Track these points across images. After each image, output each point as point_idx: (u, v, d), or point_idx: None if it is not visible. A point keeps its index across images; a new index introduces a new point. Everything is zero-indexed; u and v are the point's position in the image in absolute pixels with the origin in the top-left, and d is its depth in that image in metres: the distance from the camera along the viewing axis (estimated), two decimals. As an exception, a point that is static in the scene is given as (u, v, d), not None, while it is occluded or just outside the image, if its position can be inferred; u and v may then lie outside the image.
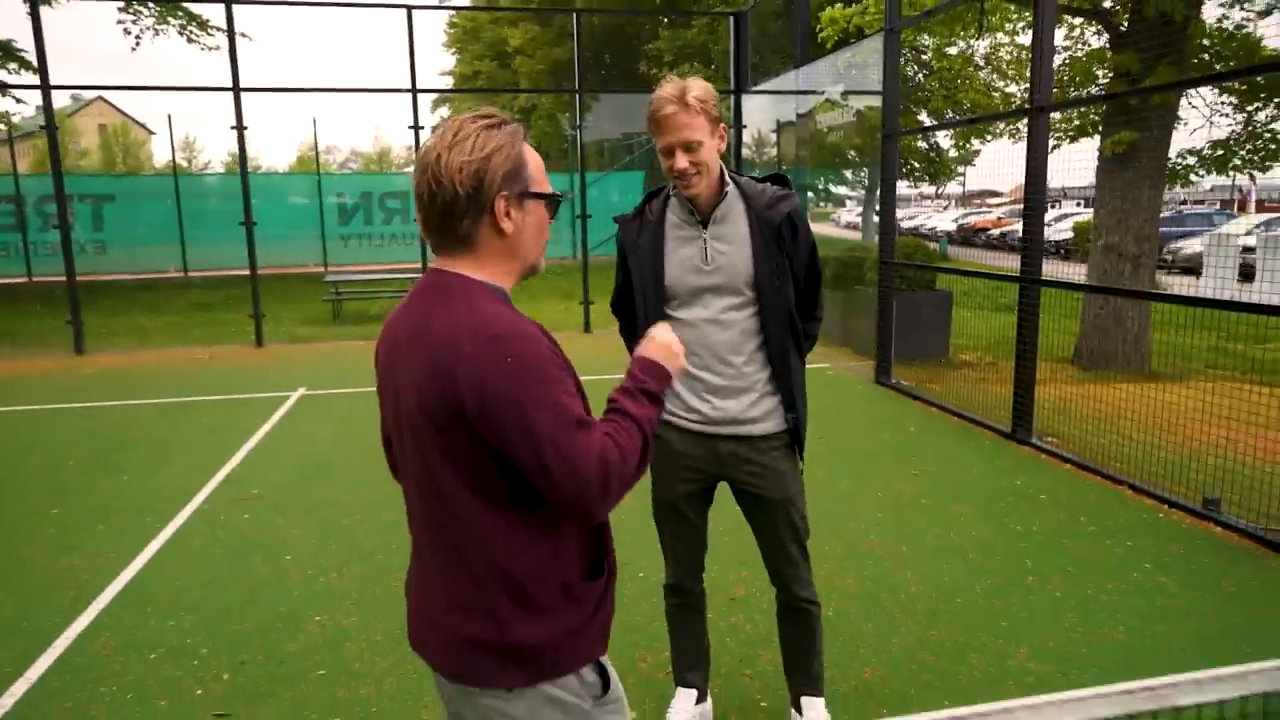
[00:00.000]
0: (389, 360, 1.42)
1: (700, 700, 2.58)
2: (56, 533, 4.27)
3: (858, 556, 3.88)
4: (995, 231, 24.28)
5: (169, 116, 19.13)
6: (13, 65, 12.20)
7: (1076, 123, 9.09)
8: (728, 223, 2.19)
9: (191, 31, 11.73)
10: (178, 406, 7.00)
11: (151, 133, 46.15)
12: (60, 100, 9.22)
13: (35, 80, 9.20)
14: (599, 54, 26.33)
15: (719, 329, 2.20)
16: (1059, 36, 8.94)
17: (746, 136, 12.04)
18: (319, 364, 8.83)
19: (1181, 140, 8.51)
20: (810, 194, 16.27)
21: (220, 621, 3.35)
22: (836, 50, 10.21)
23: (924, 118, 21.35)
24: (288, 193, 18.32)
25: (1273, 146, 8.27)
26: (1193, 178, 8.52)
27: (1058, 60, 9.15)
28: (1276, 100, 8.23)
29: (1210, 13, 8.22)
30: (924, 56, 20.92)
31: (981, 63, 18.25)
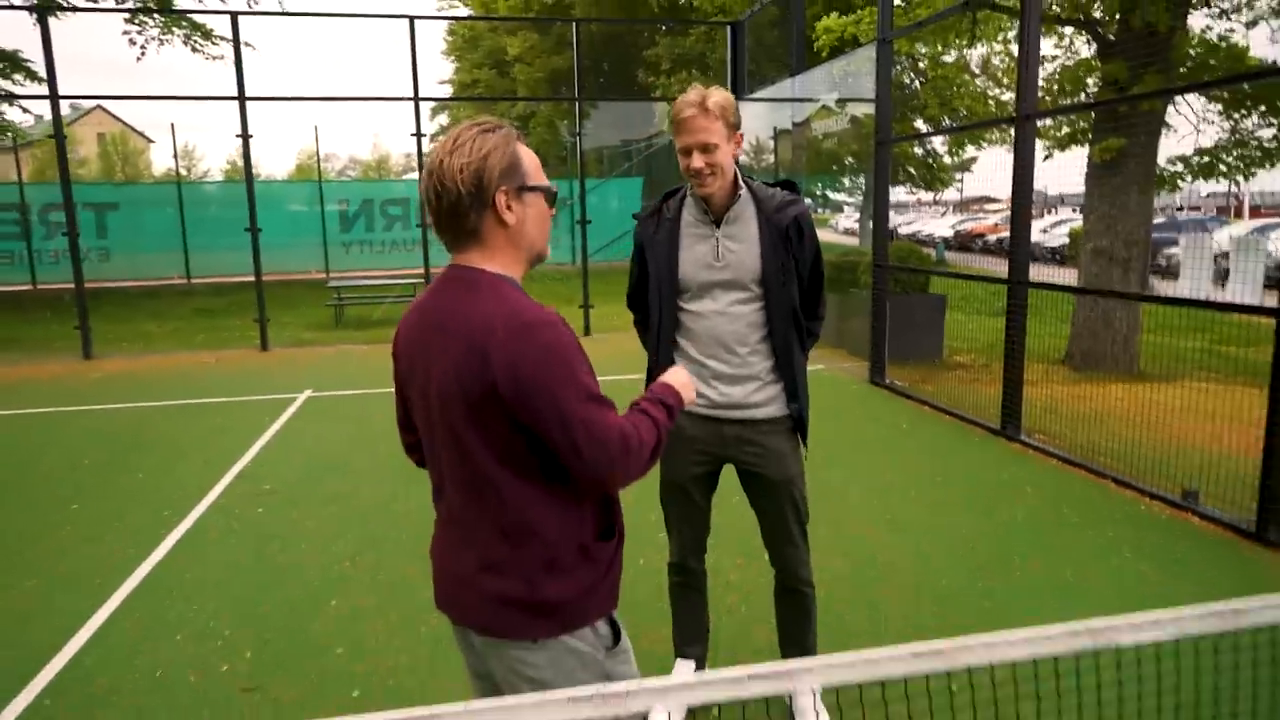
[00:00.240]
0: (417, 345, 1.55)
1: (699, 669, 2.75)
2: (78, 526, 4.44)
3: (847, 541, 4.05)
4: (992, 237, 24.48)
5: (172, 125, 19.29)
6: (18, 75, 12.37)
7: (1066, 130, 9.29)
8: (739, 223, 2.37)
9: (196, 41, 11.91)
10: (187, 408, 7.16)
11: (150, 141, 46.36)
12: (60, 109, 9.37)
13: (43, 90, 9.37)
14: (597, 62, 26.56)
15: (726, 321, 2.37)
16: (1049, 46, 9.16)
17: (744, 143, 12.22)
18: (323, 367, 9.00)
19: (1170, 147, 8.73)
20: (808, 200, 16.47)
21: (241, 605, 3.52)
22: (832, 59, 10.41)
23: (920, 124, 21.58)
24: (288, 200, 18.50)
25: (1258, 154, 8.48)
26: (1180, 184, 8.71)
27: (1050, 69, 9.36)
28: (1262, 108, 8.43)
29: (1198, 22, 8.41)
30: (920, 65, 21.16)
31: (977, 70, 18.48)
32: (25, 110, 13.60)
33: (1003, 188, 5.91)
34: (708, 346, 2.39)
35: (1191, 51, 8.36)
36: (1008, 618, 3.31)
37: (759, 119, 12.28)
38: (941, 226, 29.67)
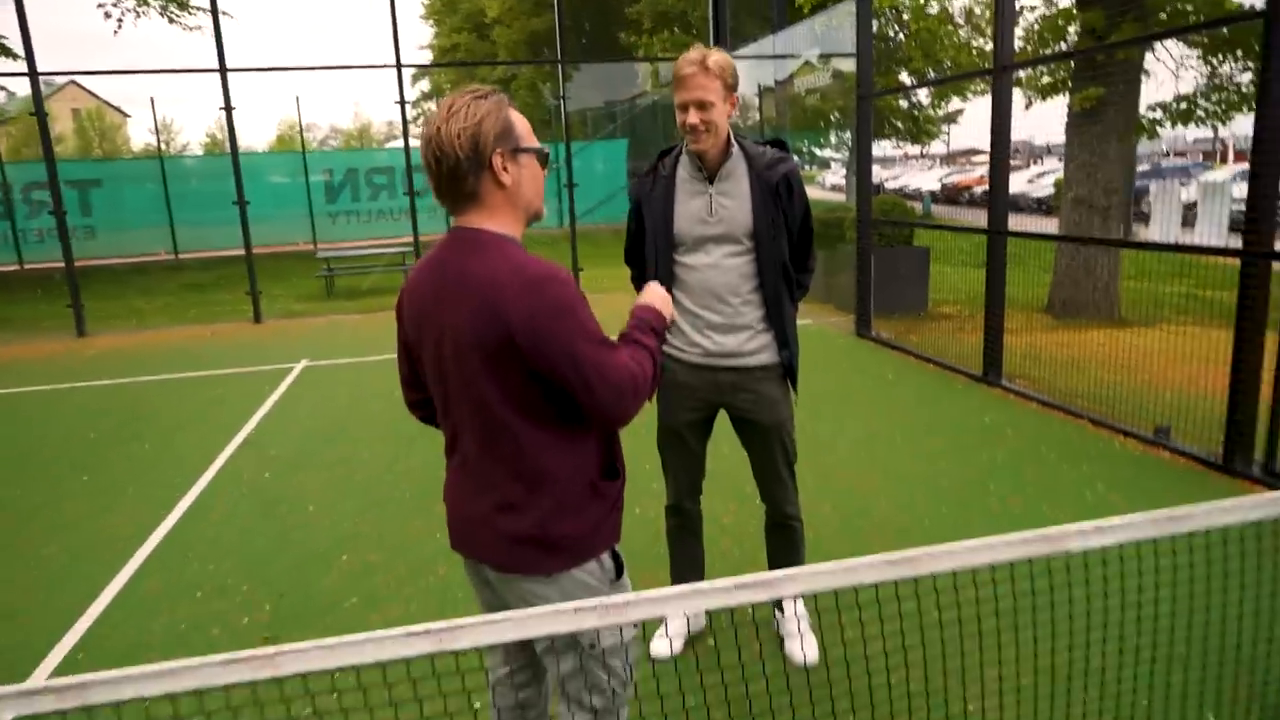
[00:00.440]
0: (428, 304, 1.64)
1: (695, 606, 2.92)
2: (91, 496, 4.57)
3: (834, 486, 4.23)
4: (979, 189, 24.52)
5: (152, 99, 18.99)
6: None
7: (1047, 79, 9.35)
8: (731, 180, 2.49)
9: (172, 12, 11.77)
10: (185, 381, 7.26)
11: (127, 115, 45.66)
12: (29, 87, 9.28)
13: (21, 68, 9.29)
14: (578, 21, 26.25)
15: (719, 273, 2.51)
16: (1029, -6, 9.16)
17: (729, 102, 12.21)
18: (317, 338, 9.08)
19: (1151, 93, 8.81)
20: (795, 157, 16.47)
21: (256, 563, 3.67)
22: (813, 14, 10.40)
23: (905, 77, 21.50)
24: (271, 171, 18.35)
25: (1236, 98, 8.56)
26: (1159, 130, 8.81)
27: (1031, 17, 9.39)
28: (1239, 52, 8.50)
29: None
30: (904, 16, 21.01)
31: (960, 20, 18.36)
32: (2, 89, 13.45)
33: (990, 139, 6.01)
34: (702, 298, 2.53)
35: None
36: (986, 550, 3.48)
37: (743, 76, 12.22)
38: (929, 180, 29.66)
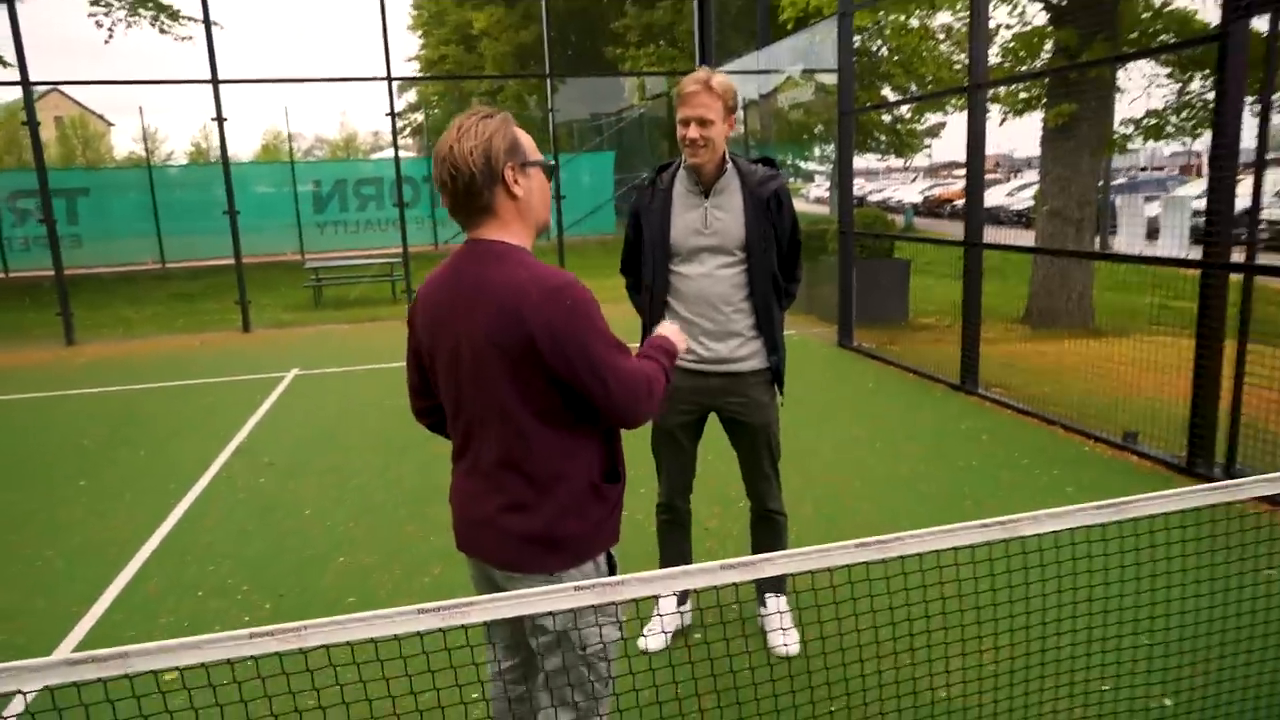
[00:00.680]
0: (443, 312, 1.72)
1: (682, 602, 3.05)
2: (89, 500, 4.65)
3: (815, 489, 4.37)
4: (960, 202, 24.85)
5: (140, 109, 19.04)
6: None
7: (1024, 96, 9.61)
8: (726, 194, 2.67)
9: (163, 22, 11.85)
10: (177, 389, 7.33)
11: (110, 124, 45.44)
12: (12, 94, 9.34)
13: (13, 76, 9.35)
14: (564, 34, 26.47)
15: (712, 282, 2.67)
16: (1003, 14, 9.44)
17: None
18: (307, 347, 9.16)
19: (1124, 110, 9.07)
20: (783, 174, 16.67)
21: (255, 565, 3.77)
22: (797, 31, 10.62)
23: (888, 92, 21.86)
24: (258, 181, 18.40)
25: (1203, 114, 8.85)
26: (1130, 146, 9.08)
27: (1006, 35, 9.65)
28: (1206, 70, 8.78)
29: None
30: (886, 32, 21.37)
31: (941, 36, 18.70)
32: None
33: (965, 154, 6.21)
34: (696, 305, 2.68)
35: (1144, 16, 8.69)
36: (960, 549, 3.64)
37: (727, 91, 12.45)
38: (911, 192, 30.06)
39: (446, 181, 1.67)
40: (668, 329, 1.99)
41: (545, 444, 1.71)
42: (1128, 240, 7.45)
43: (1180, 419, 4.73)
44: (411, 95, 33.10)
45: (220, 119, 9.80)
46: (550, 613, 1.74)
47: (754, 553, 3.01)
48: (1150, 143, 9.39)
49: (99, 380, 7.77)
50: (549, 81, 11.34)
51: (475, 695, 2.52)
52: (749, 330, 2.71)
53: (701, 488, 3.13)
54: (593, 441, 1.77)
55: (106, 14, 11.59)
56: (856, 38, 9.81)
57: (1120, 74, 9.04)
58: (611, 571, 1.90)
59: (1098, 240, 9.11)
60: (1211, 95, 9.01)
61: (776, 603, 2.97)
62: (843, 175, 8.09)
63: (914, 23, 13.24)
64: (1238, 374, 4.16)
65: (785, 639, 2.90)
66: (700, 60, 11.74)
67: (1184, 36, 7.99)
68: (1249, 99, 4.60)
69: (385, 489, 4.67)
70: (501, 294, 1.64)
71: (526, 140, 1.77)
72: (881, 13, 14.08)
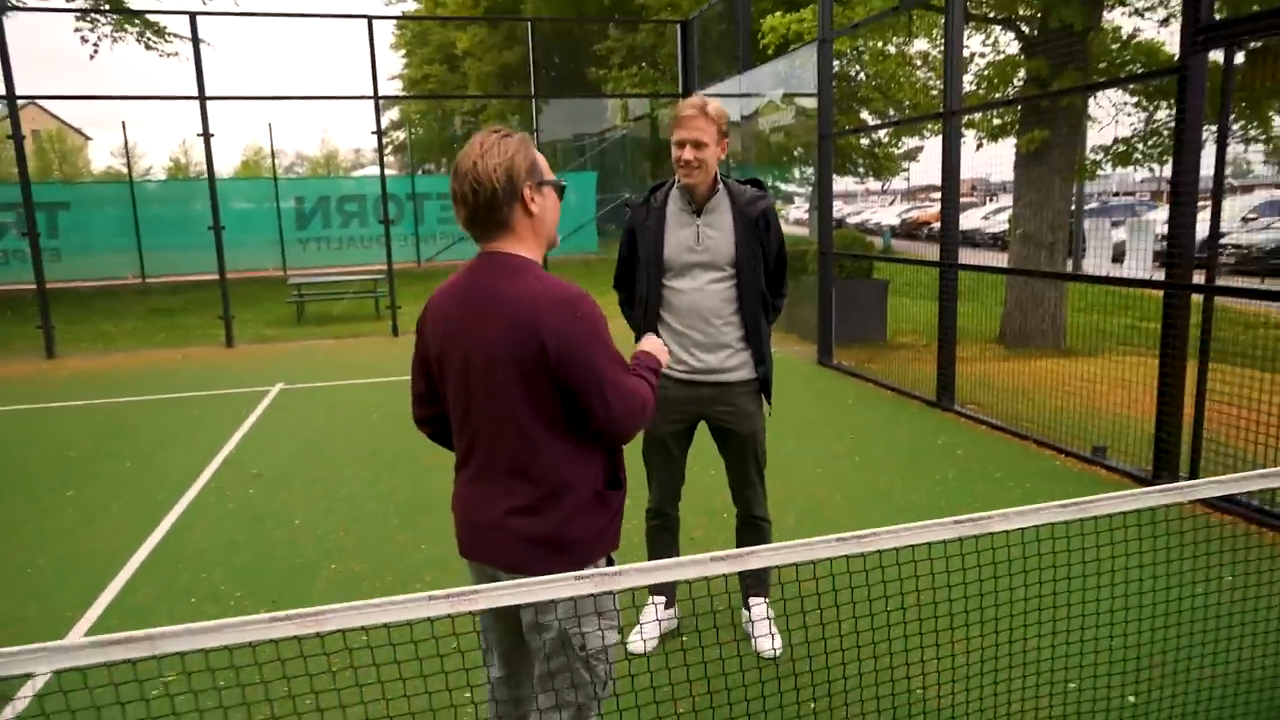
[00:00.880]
0: (454, 322, 1.80)
1: (668, 605, 3.15)
2: (77, 510, 4.67)
3: (797, 501, 4.50)
4: (937, 225, 25.23)
5: (123, 123, 18.98)
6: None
7: (997, 122, 9.90)
8: (716, 213, 2.82)
9: (149, 39, 11.91)
10: (162, 403, 7.34)
11: (88, 138, 45.14)
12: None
13: (-2, 90, 9.36)
14: (548, 55, 26.75)
15: (704, 296, 2.81)
16: (978, 44, 9.75)
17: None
18: (290, 362, 9.19)
19: (1095, 137, 9.38)
20: (770, 195, 16.93)
21: (246, 573, 3.82)
22: (778, 56, 10.88)
23: (866, 116, 22.28)
24: (239, 197, 18.37)
25: (1169, 142, 9.15)
26: (1100, 172, 9.37)
27: (981, 63, 9.95)
28: (1171, 100, 9.10)
29: (1126, 23, 9.06)
30: (864, 58, 21.81)
31: (919, 62, 19.13)
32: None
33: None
34: (687, 318, 2.82)
35: (1113, 47, 9.01)
36: (936, 557, 3.77)
37: (710, 113, 12.66)
38: (889, 215, 30.53)
39: (468, 195, 1.75)
40: (651, 344, 2.09)
41: (554, 452, 1.79)
42: (1095, 263, 7.70)
43: (1147, 434, 4.91)
44: (394, 114, 33.26)
45: (207, 135, 9.86)
46: (555, 614, 1.84)
47: (739, 557, 3.11)
48: (1119, 169, 9.69)
49: (82, 393, 7.76)
50: (534, 102, 11.50)
51: (480, 682, 2.60)
52: (738, 342, 2.85)
53: (688, 498, 3.24)
54: (597, 450, 1.86)
55: (92, 29, 11.62)
56: (836, 63, 10.07)
57: (1091, 102, 9.35)
58: None
59: (1070, 263, 9.37)
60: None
61: (759, 605, 3.07)
62: (822, 197, 8.29)
63: (891, 49, 13.56)
64: (1199, 391, 4.34)
65: (768, 642, 3.00)
66: (683, 83, 11.98)
67: (1150, 68, 8.30)
68: (1209, 128, 4.83)
69: (375, 499, 4.73)
70: (516, 306, 1.72)
71: (543, 161, 1.87)
72: (860, 39, 14.45)
